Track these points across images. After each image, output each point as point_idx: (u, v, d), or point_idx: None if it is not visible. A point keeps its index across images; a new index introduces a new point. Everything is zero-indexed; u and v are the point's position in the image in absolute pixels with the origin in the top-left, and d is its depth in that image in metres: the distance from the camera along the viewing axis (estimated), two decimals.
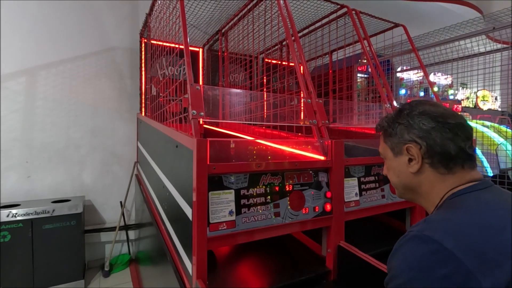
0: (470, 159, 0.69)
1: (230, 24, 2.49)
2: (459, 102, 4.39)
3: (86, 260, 2.73)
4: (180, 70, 2.60)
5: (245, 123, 2.12)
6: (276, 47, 2.83)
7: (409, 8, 4.05)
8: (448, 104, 4.13)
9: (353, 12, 2.11)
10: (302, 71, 1.47)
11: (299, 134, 1.79)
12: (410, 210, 1.64)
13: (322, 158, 1.26)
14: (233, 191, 1.04)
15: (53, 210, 2.30)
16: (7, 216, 2.15)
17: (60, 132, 2.72)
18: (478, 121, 3.60)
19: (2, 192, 2.48)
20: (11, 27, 2.51)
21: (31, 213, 2.23)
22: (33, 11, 2.59)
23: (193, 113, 1.07)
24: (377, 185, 1.47)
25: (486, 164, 2.79)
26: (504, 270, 0.51)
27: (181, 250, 1.15)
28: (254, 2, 1.99)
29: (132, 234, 2.99)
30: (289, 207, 1.15)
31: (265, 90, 2.37)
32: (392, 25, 2.48)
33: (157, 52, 2.05)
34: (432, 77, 4.21)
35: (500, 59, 2.70)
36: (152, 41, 2.26)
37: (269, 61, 2.88)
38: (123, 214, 2.87)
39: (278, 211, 1.13)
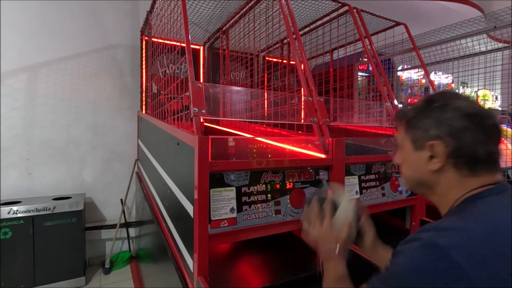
0: (495, 163, 0.65)
1: (231, 22, 2.49)
2: None
3: (86, 257, 2.74)
4: (181, 68, 2.60)
5: (246, 121, 2.12)
6: (277, 45, 2.83)
7: (410, 6, 4.04)
8: None
9: (354, 10, 2.10)
10: (303, 69, 1.47)
11: (300, 132, 1.80)
12: (410, 209, 1.65)
13: (323, 156, 1.26)
14: (234, 188, 1.05)
15: (54, 207, 2.31)
16: (8, 213, 2.16)
17: (61, 130, 2.72)
18: None
19: (3, 189, 2.48)
20: (12, 25, 2.51)
21: (32, 210, 2.23)
22: (34, 9, 2.58)
23: (195, 110, 1.07)
24: (378, 184, 1.47)
25: None
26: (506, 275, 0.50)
27: (182, 247, 1.16)
28: (255, 0, 1.98)
29: (132, 231, 3.00)
30: (289, 204, 1.15)
31: (266, 88, 2.37)
32: (393, 23, 2.48)
33: (158, 50, 2.05)
34: (432, 76, 4.20)
35: (501, 58, 2.70)
36: (153, 39, 2.26)
37: (270, 59, 2.88)
38: (123, 211, 2.88)
39: (279, 208, 1.13)
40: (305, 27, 2.71)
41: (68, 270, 2.39)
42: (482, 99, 4.91)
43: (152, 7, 2.17)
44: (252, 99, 1.78)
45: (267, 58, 2.86)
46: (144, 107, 2.75)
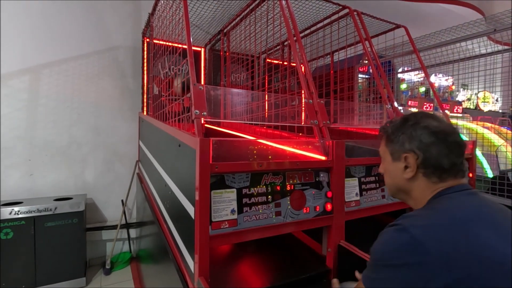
0: (459, 171, 0.76)
1: (232, 24, 2.50)
2: (460, 103, 4.40)
3: (87, 257, 2.75)
4: (182, 70, 2.61)
5: (247, 123, 2.13)
6: (278, 47, 2.84)
7: (410, 9, 4.05)
8: (449, 105, 4.14)
9: (355, 13, 2.11)
10: (303, 72, 1.48)
11: (300, 134, 1.80)
12: (410, 211, 1.65)
13: (323, 158, 1.27)
14: (235, 190, 1.05)
15: (55, 208, 2.31)
16: (10, 213, 2.17)
17: (62, 130, 2.74)
18: (478, 122, 3.61)
19: (5, 190, 2.49)
20: (15, 26, 2.52)
21: (34, 211, 2.24)
22: (36, 10, 2.60)
23: (196, 112, 1.08)
24: (378, 186, 1.48)
25: (486, 165, 2.80)
26: (465, 258, 0.59)
27: (183, 248, 1.17)
28: (257, 2, 2.00)
29: (133, 232, 3.01)
30: (290, 206, 1.16)
31: (266, 90, 2.38)
32: (394, 26, 2.49)
33: (160, 52, 2.06)
34: (433, 78, 4.21)
35: (501, 60, 2.71)
36: (155, 41, 2.27)
37: (271, 61, 2.89)
38: (124, 212, 2.88)
39: (279, 210, 1.14)
40: (306, 29, 2.73)
41: (69, 270, 2.39)
42: (482, 101, 4.92)
43: (154, 9, 2.18)
44: (253, 101, 1.79)
45: (268, 60, 2.87)
46: (145, 109, 2.76)
